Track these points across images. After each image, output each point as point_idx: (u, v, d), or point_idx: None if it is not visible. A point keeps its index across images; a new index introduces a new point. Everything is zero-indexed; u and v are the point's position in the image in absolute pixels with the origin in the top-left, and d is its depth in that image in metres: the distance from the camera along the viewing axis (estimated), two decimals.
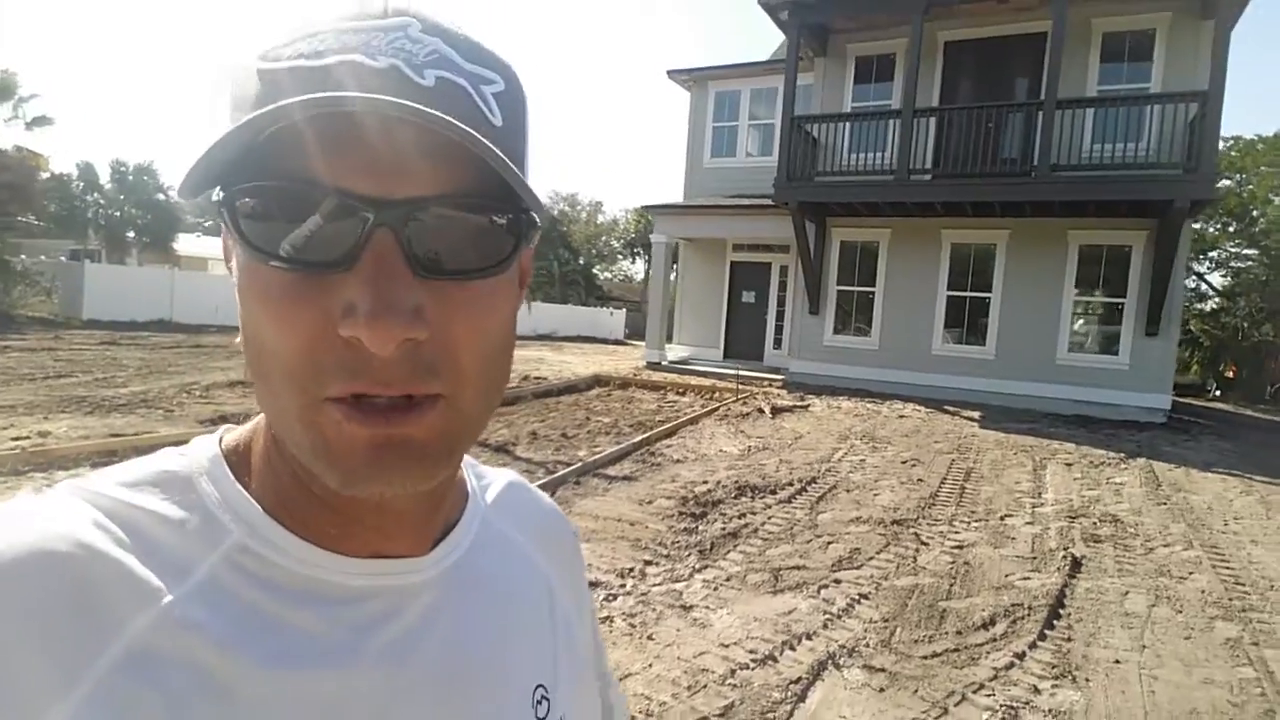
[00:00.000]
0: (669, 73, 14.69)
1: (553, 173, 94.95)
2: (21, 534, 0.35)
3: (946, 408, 10.46)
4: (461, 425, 0.39)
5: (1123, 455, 8.00)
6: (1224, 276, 23.42)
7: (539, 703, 0.49)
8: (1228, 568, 4.84)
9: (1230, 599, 4.31)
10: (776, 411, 9.38)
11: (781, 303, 13.99)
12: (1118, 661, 3.48)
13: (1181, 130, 9.23)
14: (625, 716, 0.66)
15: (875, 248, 12.07)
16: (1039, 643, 3.63)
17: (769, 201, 11.66)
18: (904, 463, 7.27)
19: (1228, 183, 22.55)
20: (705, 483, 6.15)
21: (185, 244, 27.50)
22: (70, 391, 8.47)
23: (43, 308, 19.62)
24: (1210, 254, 23.01)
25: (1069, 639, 3.69)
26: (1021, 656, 3.48)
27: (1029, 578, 4.45)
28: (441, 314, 0.36)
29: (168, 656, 0.35)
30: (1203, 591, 4.40)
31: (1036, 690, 3.18)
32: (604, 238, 50.73)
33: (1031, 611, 3.96)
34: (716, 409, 9.61)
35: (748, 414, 9.35)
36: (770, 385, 12.03)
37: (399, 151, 0.35)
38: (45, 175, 25.18)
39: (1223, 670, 3.46)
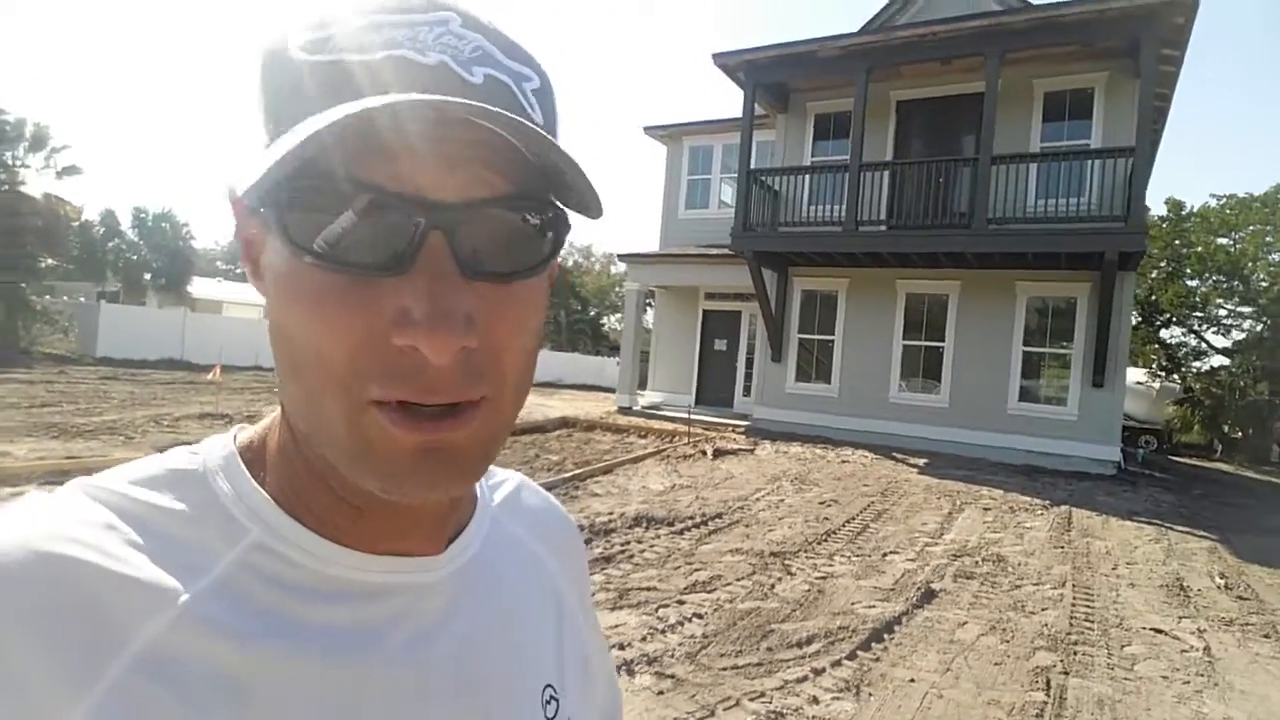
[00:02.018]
0: (645, 129, 15.35)
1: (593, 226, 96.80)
2: (28, 535, 0.35)
3: (895, 454, 10.57)
4: (500, 428, 0.39)
5: (1048, 502, 8.06)
6: (1217, 333, 23.22)
7: (548, 703, 0.49)
8: (1087, 606, 4.94)
9: (1069, 633, 4.41)
10: (719, 454, 9.58)
11: (751, 350, 14.26)
12: (912, 680, 3.63)
13: (1120, 185, 9.49)
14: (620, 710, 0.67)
15: (834, 297, 12.36)
16: (845, 661, 3.78)
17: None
18: (821, 503, 7.42)
19: (1224, 241, 22.60)
20: (610, 514, 6.36)
21: (200, 287, 28.71)
22: (47, 419, 8.97)
23: (61, 345, 20.56)
24: (1200, 311, 22.88)
25: (877, 659, 3.84)
26: (820, 672, 3.64)
27: (874, 606, 4.60)
28: (489, 318, 0.36)
29: (184, 656, 0.35)
30: (1045, 626, 4.51)
31: (815, 700, 3.35)
32: (617, 289, 51.50)
33: (854, 634, 4.12)
34: (663, 450, 9.83)
35: (690, 456, 9.57)
36: (732, 431, 12.21)
37: (452, 153, 0.35)
38: (75, 223, 26.54)
39: (1014, 693, 3.58)
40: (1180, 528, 7.56)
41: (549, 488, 5.38)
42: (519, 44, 0.40)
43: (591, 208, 0.39)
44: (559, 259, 0.43)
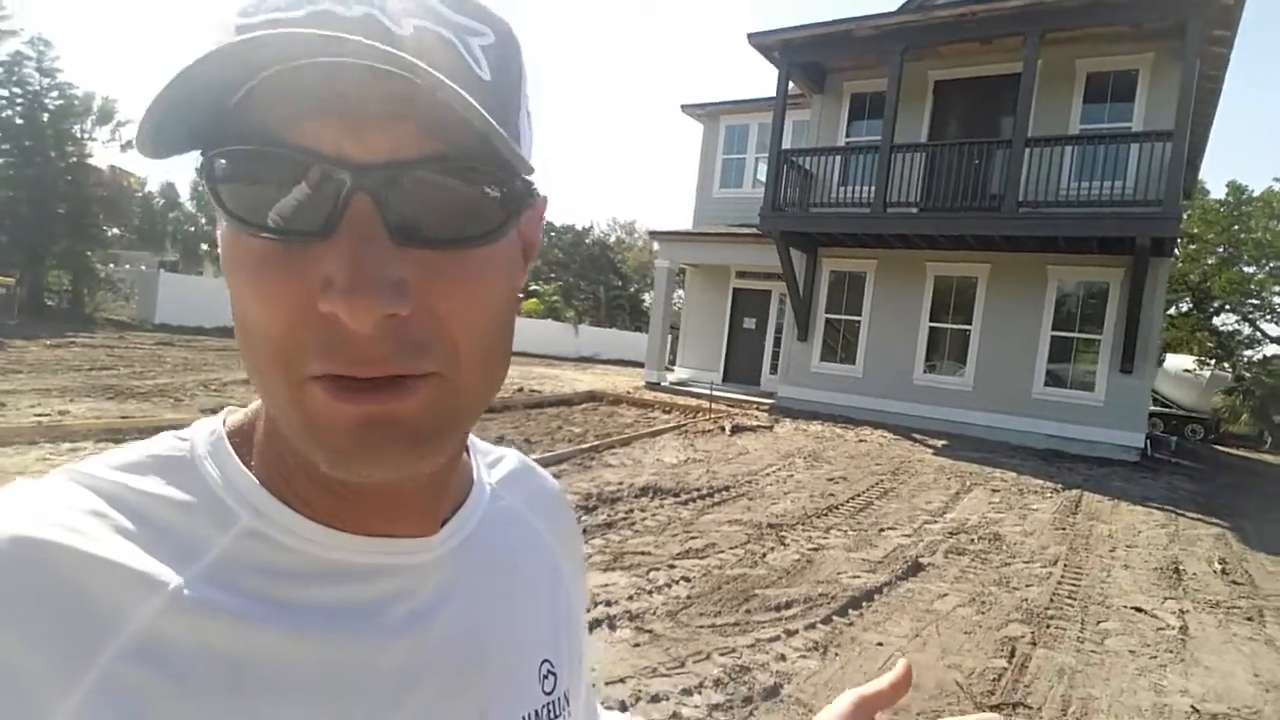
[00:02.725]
0: (683, 107, 15.42)
1: (613, 200, 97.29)
2: (13, 523, 0.34)
3: (914, 435, 10.63)
4: (458, 404, 0.38)
5: (1060, 486, 8.09)
6: (1272, 321, 22.37)
7: (545, 677, 0.50)
8: (1073, 585, 5.06)
9: (1047, 608, 4.56)
10: (736, 430, 9.78)
11: (780, 329, 14.37)
12: (880, 644, 3.84)
13: (1157, 170, 9.29)
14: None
15: (862, 278, 12.38)
16: (819, 625, 4.01)
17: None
18: (830, 480, 7.60)
19: None
20: (620, 484, 6.65)
21: None
22: (104, 381, 9.61)
23: (123, 311, 21.64)
24: (1256, 299, 22.05)
25: (850, 624, 4.06)
26: (792, 633, 3.87)
27: (858, 577, 4.80)
28: (429, 287, 0.35)
29: (177, 641, 0.35)
30: (1025, 601, 4.65)
31: (782, 658, 3.59)
32: None
33: (833, 601, 4.33)
34: (683, 426, 10.08)
35: (709, 431, 9.79)
36: (756, 408, 12.39)
37: (378, 108, 0.33)
38: (139, 194, 27.72)
39: (977, 659, 3.77)
40: (1192, 514, 7.54)
41: (567, 458, 5.71)
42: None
43: (520, 168, 0.37)
44: (522, 221, 0.40)
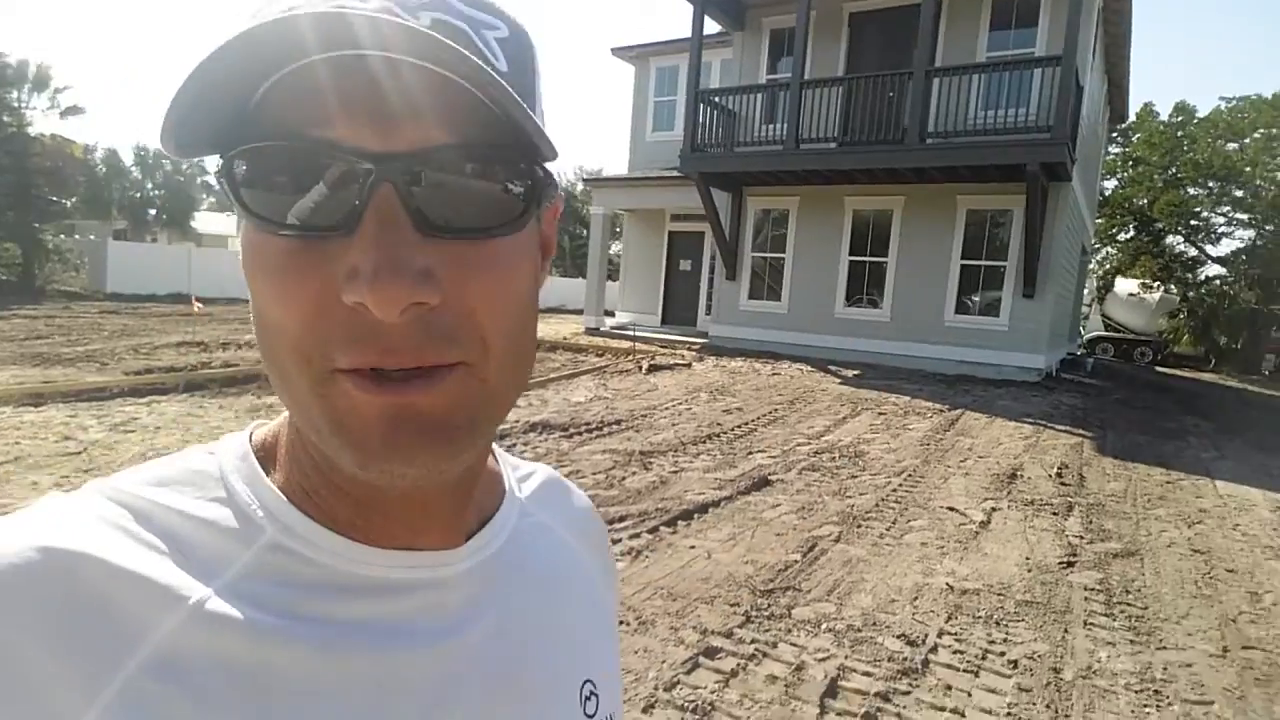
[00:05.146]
0: (613, 50, 15.37)
1: (578, 149, 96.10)
2: (42, 535, 0.34)
3: (830, 367, 11.06)
4: (485, 397, 0.37)
5: (946, 407, 8.54)
6: (1208, 242, 22.83)
7: (587, 699, 0.48)
8: (906, 492, 5.50)
9: (869, 513, 4.98)
10: (653, 369, 10.15)
11: (714, 270, 14.65)
12: (693, 547, 4.25)
13: (1051, 95, 9.51)
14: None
15: (785, 215, 12.63)
16: (644, 534, 4.41)
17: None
18: (725, 411, 8.00)
19: (1232, 146, 21.91)
20: (515, 422, 7.01)
21: (204, 222, 29.69)
22: (34, 349, 9.82)
23: (74, 282, 21.59)
24: (1196, 220, 22.44)
25: (674, 533, 4.47)
26: (615, 543, 4.28)
27: (703, 494, 5.21)
28: (456, 277, 0.35)
29: (198, 656, 0.35)
30: (852, 507, 5.08)
31: None
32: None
33: (667, 514, 4.73)
34: (603, 367, 10.44)
35: (627, 371, 10.16)
36: (686, 348, 12.76)
37: (399, 98, 0.33)
38: (83, 161, 27.25)
39: (776, 555, 4.19)
40: (1061, 427, 8.02)
41: None
42: None
43: (546, 153, 0.38)
44: (543, 218, 0.41)
